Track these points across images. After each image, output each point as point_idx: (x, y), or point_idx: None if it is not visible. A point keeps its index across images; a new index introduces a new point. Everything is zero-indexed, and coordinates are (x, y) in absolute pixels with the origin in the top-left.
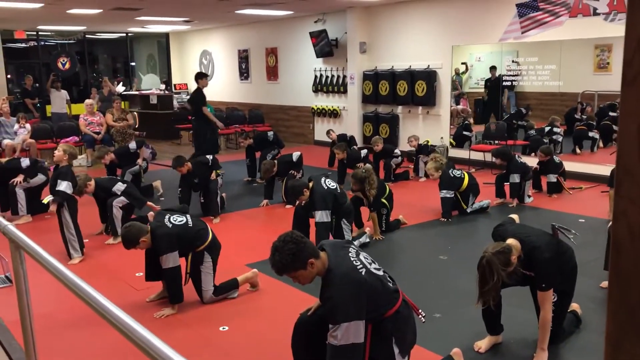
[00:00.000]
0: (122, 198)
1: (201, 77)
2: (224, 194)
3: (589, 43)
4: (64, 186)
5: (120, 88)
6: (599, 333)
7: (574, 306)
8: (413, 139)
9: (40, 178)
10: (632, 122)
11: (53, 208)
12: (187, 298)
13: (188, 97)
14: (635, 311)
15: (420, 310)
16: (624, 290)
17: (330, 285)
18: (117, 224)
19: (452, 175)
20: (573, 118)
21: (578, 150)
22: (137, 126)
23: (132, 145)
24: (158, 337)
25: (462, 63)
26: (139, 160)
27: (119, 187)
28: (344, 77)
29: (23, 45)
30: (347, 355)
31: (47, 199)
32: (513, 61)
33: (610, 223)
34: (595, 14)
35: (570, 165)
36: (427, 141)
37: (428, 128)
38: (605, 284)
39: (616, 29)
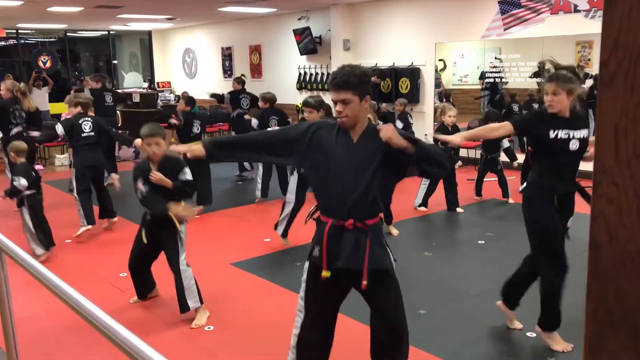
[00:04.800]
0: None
1: None
2: None
3: (571, 40)
4: (16, 182)
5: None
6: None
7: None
8: (398, 104)
9: None
10: (609, 122)
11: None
12: (171, 299)
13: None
14: (613, 311)
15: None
16: (602, 291)
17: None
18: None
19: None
20: None
21: None
22: (119, 125)
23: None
24: (142, 340)
25: (440, 60)
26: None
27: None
28: (328, 74)
29: (3, 43)
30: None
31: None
32: (496, 58)
33: None
34: (576, 10)
35: None
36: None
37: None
38: None
39: (597, 26)
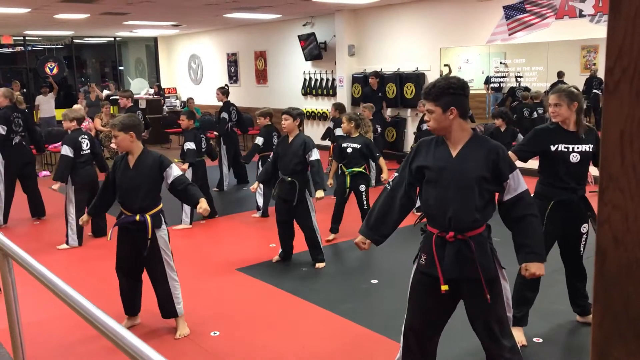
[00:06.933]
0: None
1: None
2: None
3: (576, 44)
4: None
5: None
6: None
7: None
8: (422, 104)
9: None
10: (615, 129)
11: None
12: None
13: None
14: (620, 317)
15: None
16: (608, 297)
17: (486, 140)
18: None
19: None
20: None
21: None
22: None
23: None
24: (148, 344)
25: (445, 65)
26: None
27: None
28: (333, 79)
29: (10, 50)
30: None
31: None
32: (501, 63)
33: None
34: (581, 15)
35: None
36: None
37: None
38: None
39: (602, 31)
